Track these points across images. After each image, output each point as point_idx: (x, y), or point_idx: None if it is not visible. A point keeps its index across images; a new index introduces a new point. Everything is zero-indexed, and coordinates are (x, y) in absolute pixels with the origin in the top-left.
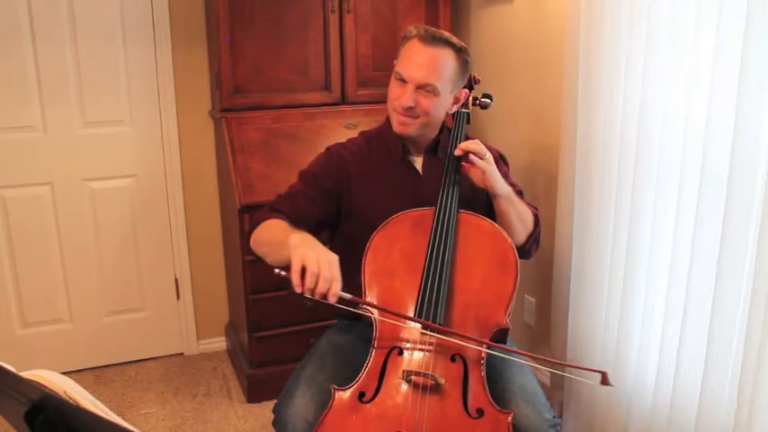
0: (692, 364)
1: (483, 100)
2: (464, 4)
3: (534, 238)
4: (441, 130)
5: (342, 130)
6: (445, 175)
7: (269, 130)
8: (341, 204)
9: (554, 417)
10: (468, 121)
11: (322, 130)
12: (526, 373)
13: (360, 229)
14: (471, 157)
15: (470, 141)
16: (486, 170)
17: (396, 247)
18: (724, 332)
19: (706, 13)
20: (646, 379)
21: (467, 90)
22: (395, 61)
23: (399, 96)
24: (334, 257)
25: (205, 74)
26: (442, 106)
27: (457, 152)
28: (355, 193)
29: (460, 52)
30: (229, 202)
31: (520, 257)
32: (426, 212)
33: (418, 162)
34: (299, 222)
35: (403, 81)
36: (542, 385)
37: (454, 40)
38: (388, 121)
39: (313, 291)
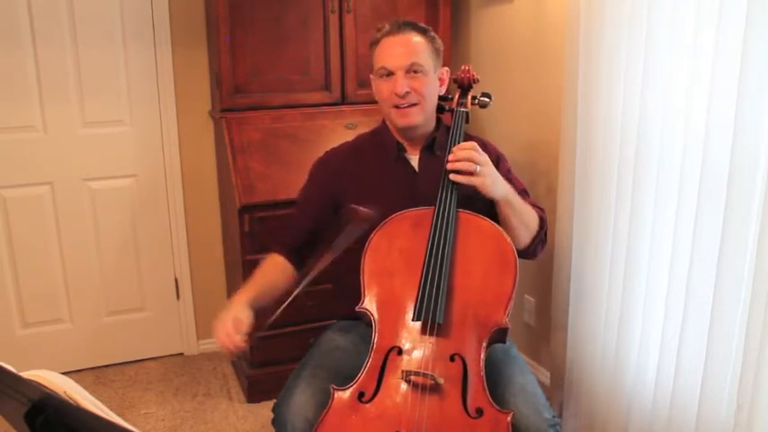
0: (692, 364)
1: (482, 99)
2: (464, 4)
3: (540, 239)
4: (437, 126)
5: (342, 130)
6: (444, 175)
7: (269, 130)
8: (339, 207)
9: (554, 417)
10: (467, 121)
11: (322, 130)
12: (526, 373)
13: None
14: (455, 177)
15: (462, 151)
16: (478, 184)
17: (395, 246)
18: (724, 332)
19: (706, 13)
20: (646, 379)
21: (447, 68)
22: (371, 75)
23: (392, 88)
24: (229, 320)
25: (205, 74)
26: (433, 87)
27: (449, 167)
28: (352, 195)
29: (426, 32)
30: (229, 203)
31: (525, 258)
32: (425, 212)
33: (414, 160)
34: (301, 244)
35: (388, 75)
36: (542, 385)
37: (417, 23)
38: (383, 122)
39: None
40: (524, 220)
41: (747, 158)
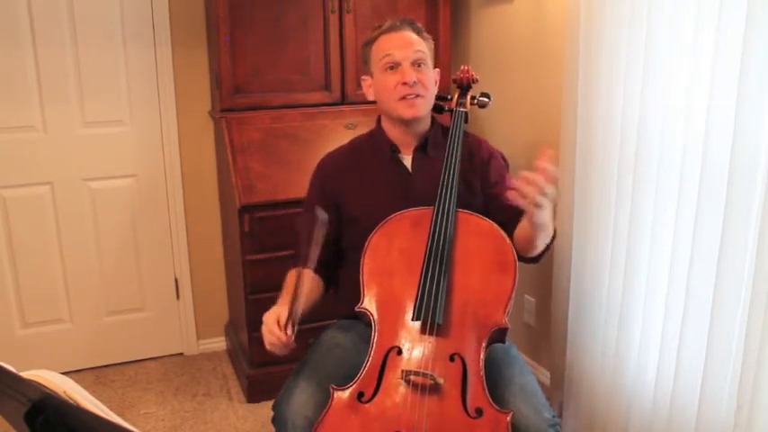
0: (692, 364)
1: (481, 99)
2: (464, 4)
3: (548, 248)
4: (431, 125)
5: (342, 130)
6: (444, 174)
7: (269, 130)
8: (341, 210)
9: (554, 416)
10: (466, 121)
11: (322, 130)
12: (526, 373)
13: (359, 230)
14: (513, 197)
15: (539, 179)
16: (529, 211)
17: (394, 246)
18: (724, 332)
19: (706, 13)
20: (646, 379)
21: (438, 70)
22: (365, 76)
23: (400, 78)
24: (270, 318)
25: (205, 74)
26: (433, 83)
27: (515, 184)
28: (350, 198)
29: (420, 32)
30: (229, 203)
31: (527, 263)
32: (425, 212)
33: (407, 160)
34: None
35: (394, 66)
36: (542, 385)
37: (414, 22)
38: (378, 123)
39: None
40: (544, 237)
41: (747, 158)
